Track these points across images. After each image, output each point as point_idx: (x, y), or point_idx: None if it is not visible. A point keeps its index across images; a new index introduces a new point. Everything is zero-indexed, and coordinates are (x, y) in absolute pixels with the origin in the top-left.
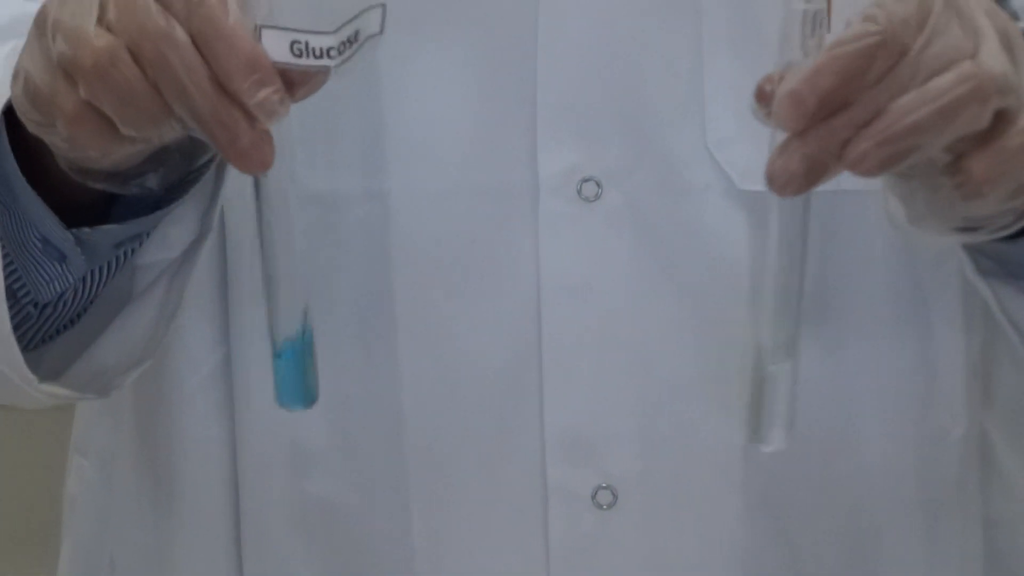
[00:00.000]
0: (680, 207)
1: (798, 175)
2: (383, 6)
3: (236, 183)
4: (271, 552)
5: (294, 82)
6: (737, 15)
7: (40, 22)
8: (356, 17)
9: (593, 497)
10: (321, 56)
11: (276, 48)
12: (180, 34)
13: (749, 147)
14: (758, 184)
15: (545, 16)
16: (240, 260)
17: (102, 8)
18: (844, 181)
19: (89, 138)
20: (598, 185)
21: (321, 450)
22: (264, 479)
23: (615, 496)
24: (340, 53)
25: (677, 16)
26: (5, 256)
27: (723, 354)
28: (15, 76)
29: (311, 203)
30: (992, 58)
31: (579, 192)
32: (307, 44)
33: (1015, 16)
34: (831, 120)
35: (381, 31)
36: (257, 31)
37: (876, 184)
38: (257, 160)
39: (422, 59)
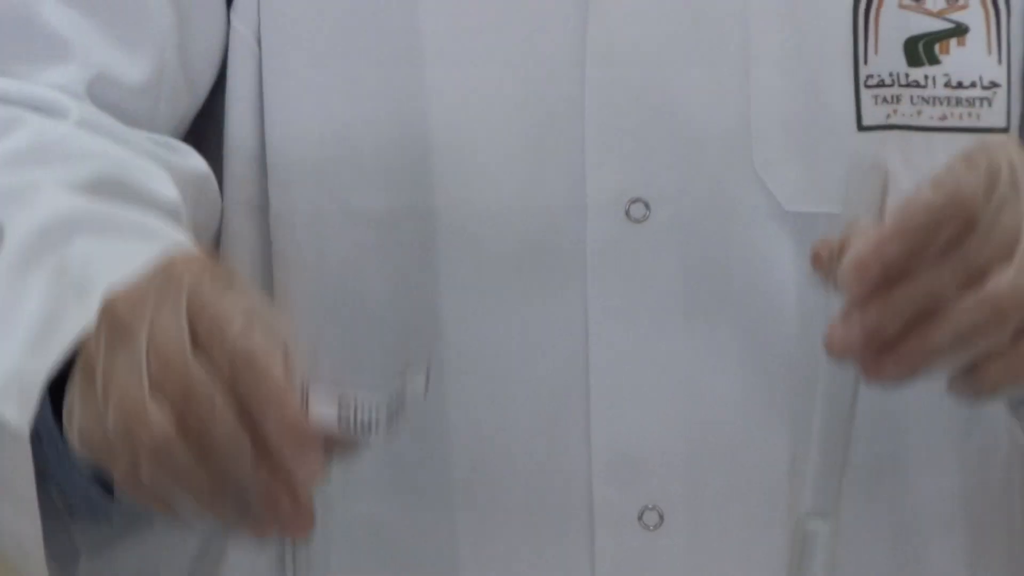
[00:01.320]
0: (727, 228)
1: (856, 345)
2: (428, 370)
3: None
4: (318, 570)
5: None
6: (785, 36)
7: (87, 370)
8: (403, 377)
9: (640, 518)
10: (368, 427)
11: (323, 410)
12: (223, 405)
13: (796, 168)
14: (805, 205)
15: (593, 38)
16: (286, 267)
17: (149, 366)
18: (889, 199)
19: (138, 494)
20: (646, 206)
21: (370, 469)
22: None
23: (661, 517)
24: (388, 422)
25: (724, 38)
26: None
27: (770, 375)
28: (68, 413)
29: (360, 220)
30: None
31: (627, 213)
32: (354, 412)
33: None
34: (892, 292)
35: (425, 393)
36: (305, 395)
37: None
38: (298, 529)
39: (470, 79)
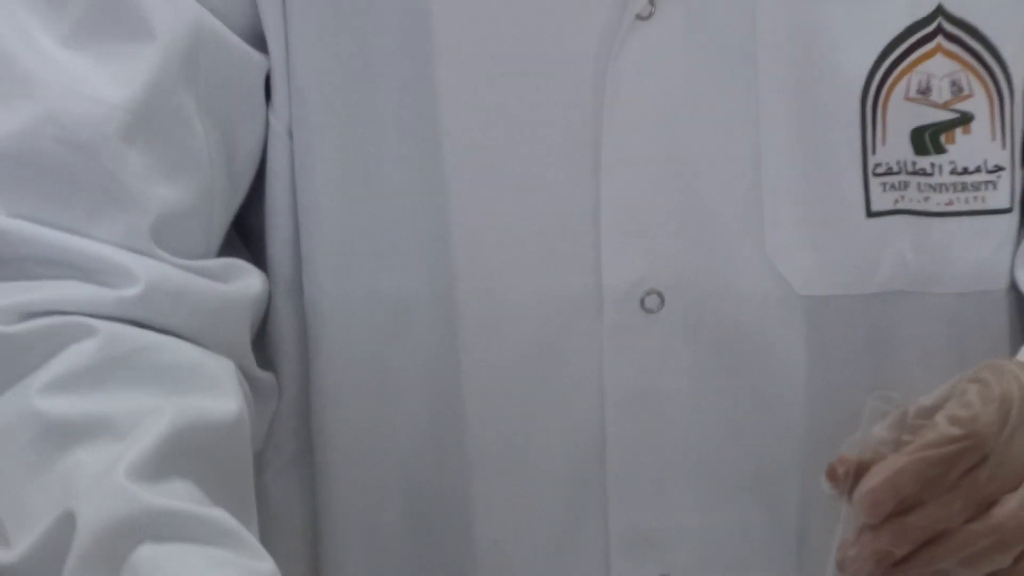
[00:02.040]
0: (740, 314)
1: (869, 565)
2: None
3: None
4: None
5: None
6: (794, 125)
7: None
8: None
9: (641, 303)
10: None
11: None
12: None
13: (808, 254)
14: (817, 289)
15: (608, 129)
16: (319, 349)
17: None
18: (898, 281)
19: None
20: (660, 297)
21: (396, 535)
22: (343, 560)
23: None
24: None
25: (736, 126)
26: None
27: (779, 456)
28: None
29: (385, 305)
30: None
31: (642, 304)
32: None
33: None
34: (904, 520)
35: None
36: None
37: (931, 285)
38: None
39: (490, 175)
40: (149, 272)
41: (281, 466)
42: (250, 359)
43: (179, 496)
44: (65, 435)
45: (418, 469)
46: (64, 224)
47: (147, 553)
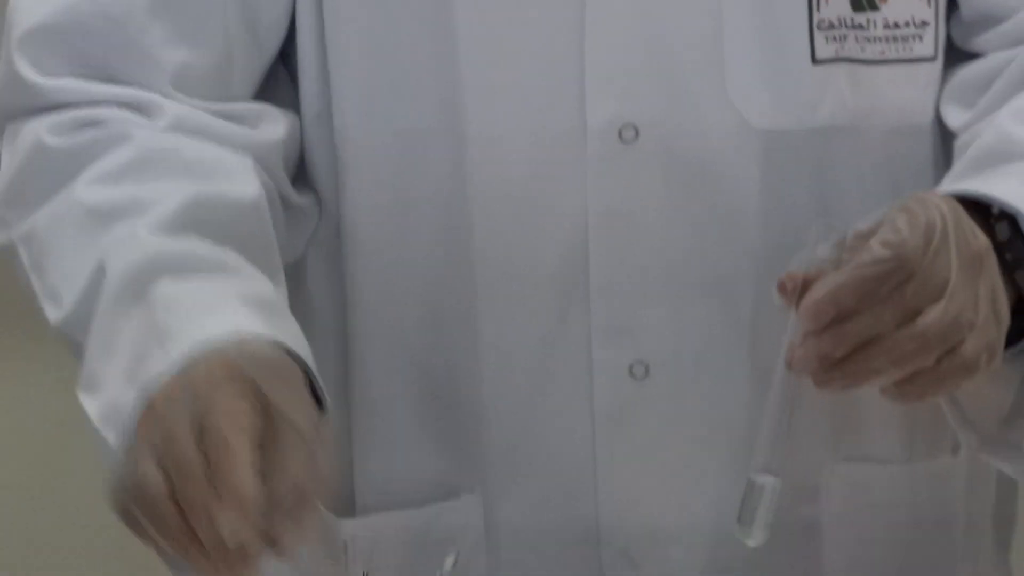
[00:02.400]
0: (705, 145)
1: (812, 364)
2: (457, 553)
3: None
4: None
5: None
6: None
7: (137, 434)
8: (444, 566)
9: (630, 370)
10: None
11: None
12: (202, 477)
13: (762, 94)
14: (769, 123)
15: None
16: (347, 172)
17: (163, 457)
18: (838, 118)
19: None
20: (636, 130)
21: (413, 331)
22: (368, 356)
23: (647, 370)
24: None
25: None
26: None
27: (736, 265)
28: (125, 442)
29: (400, 136)
30: (953, 307)
31: (620, 136)
32: None
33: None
34: (843, 327)
35: (455, 566)
36: None
37: (866, 121)
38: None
39: (490, 24)
40: (176, 108)
41: (319, 270)
42: (287, 187)
43: (210, 248)
44: (102, 215)
45: (431, 275)
46: (99, 67)
47: (164, 284)
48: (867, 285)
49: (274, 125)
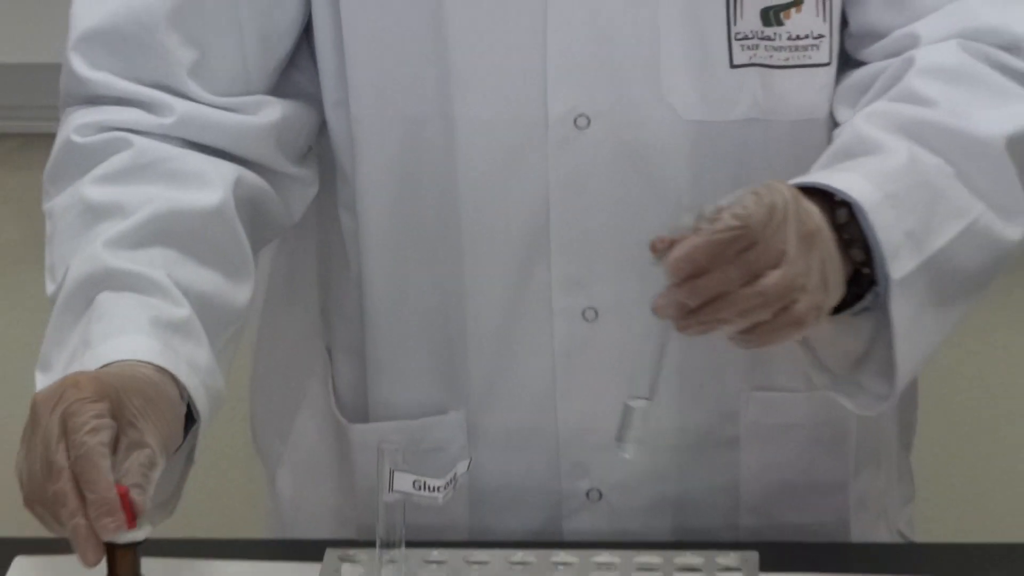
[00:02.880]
0: (644, 132)
1: (671, 311)
2: (471, 459)
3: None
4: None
5: (135, 515)
6: (682, 4)
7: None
8: (457, 468)
9: (583, 314)
10: (434, 491)
11: (403, 482)
12: (66, 480)
13: (690, 91)
14: (695, 115)
15: (552, 10)
16: (360, 151)
17: (37, 446)
18: (752, 111)
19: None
20: (588, 119)
21: (414, 273)
22: (376, 272)
23: (597, 314)
24: (443, 490)
25: (643, 4)
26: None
27: (667, 224)
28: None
29: (405, 120)
30: (789, 272)
31: (575, 123)
32: (425, 483)
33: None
34: (697, 282)
35: (468, 470)
36: (391, 475)
37: (774, 115)
38: (87, 558)
39: (477, 29)
40: (183, 108)
41: (348, 227)
42: (280, 160)
43: (148, 262)
44: (94, 212)
45: (428, 234)
46: (131, 75)
47: (104, 296)
48: (717, 248)
49: (270, 111)
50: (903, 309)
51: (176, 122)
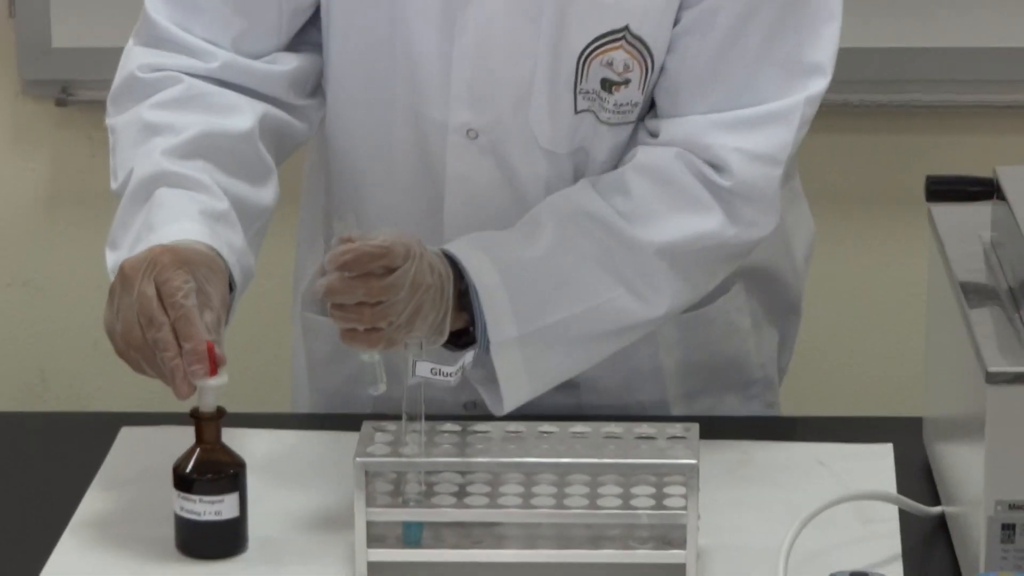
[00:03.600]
0: (514, 150)
1: (317, 295)
2: (473, 357)
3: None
4: None
5: (218, 364)
6: (548, 63)
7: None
8: (465, 358)
9: (466, 133)
10: (447, 376)
11: (423, 369)
12: (166, 330)
13: (547, 126)
14: (548, 145)
15: (457, 45)
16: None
17: (135, 305)
18: (586, 143)
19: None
20: (476, 132)
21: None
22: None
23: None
24: (455, 375)
25: (523, 59)
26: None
27: (526, 193)
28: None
29: (357, 107)
30: (390, 309)
31: (467, 134)
32: (440, 370)
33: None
34: (341, 277)
35: (473, 360)
36: (413, 363)
37: (598, 150)
38: (182, 393)
39: (416, 45)
40: (225, 56)
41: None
42: (292, 97)
43: (196, 168)
44: (152, 129)
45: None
46: (186, 27)
47: (162, 191)
48: (360, 256)
49: (287, 61)
50: (503, 361)
51: (218, 67)
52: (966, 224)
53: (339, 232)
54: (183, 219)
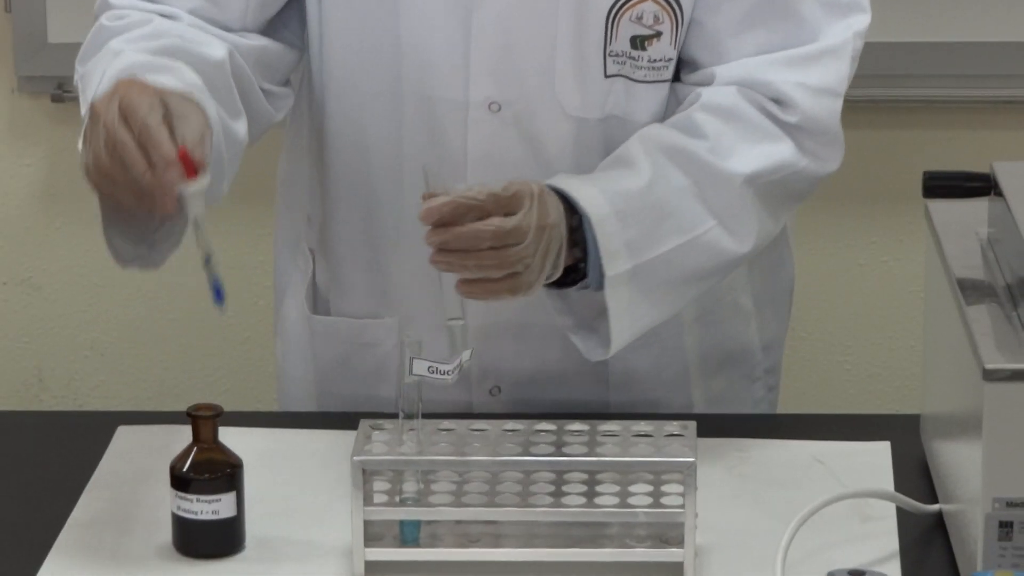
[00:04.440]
0: (540, 120)
1: (433, 244)
2: (472, 349)
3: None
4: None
5: (197, 169)
6: (572, 24)
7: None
8: (463, 356)
9: (488, 107)
10: (444, 375)
11: (420, 367)
12: (132, 146)
13: (575, 92)
14: (577, 112)
15: (476, 20)
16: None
17: (102, 130)
18: (617, 110)
19: (95, 185)
20: (499, 105)
21: (367, 196)
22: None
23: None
24: (452, 373)
25: (547, 25)
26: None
27: (551, 165)
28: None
29: (362, 100)
30: (525, 249)
31: (489, 108)
32: (437, 368)
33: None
34: (450, 229)
35: (471, 358)
36: (410, 362)
37: (632, 116)
38: (165, 205)
39: (427, 29)
40: (190, 19)
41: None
42: (258, 78)
43: (173, 62)
44: (117, 52)
45: (378, 180)
46: (149, 6)
47: (140, 76)
48: (457, 208)
49: (255, 40)
50: (615, 297)
51: (184, 29)
52: (963, 220)
53: (430, 176)
54: (160, 79)
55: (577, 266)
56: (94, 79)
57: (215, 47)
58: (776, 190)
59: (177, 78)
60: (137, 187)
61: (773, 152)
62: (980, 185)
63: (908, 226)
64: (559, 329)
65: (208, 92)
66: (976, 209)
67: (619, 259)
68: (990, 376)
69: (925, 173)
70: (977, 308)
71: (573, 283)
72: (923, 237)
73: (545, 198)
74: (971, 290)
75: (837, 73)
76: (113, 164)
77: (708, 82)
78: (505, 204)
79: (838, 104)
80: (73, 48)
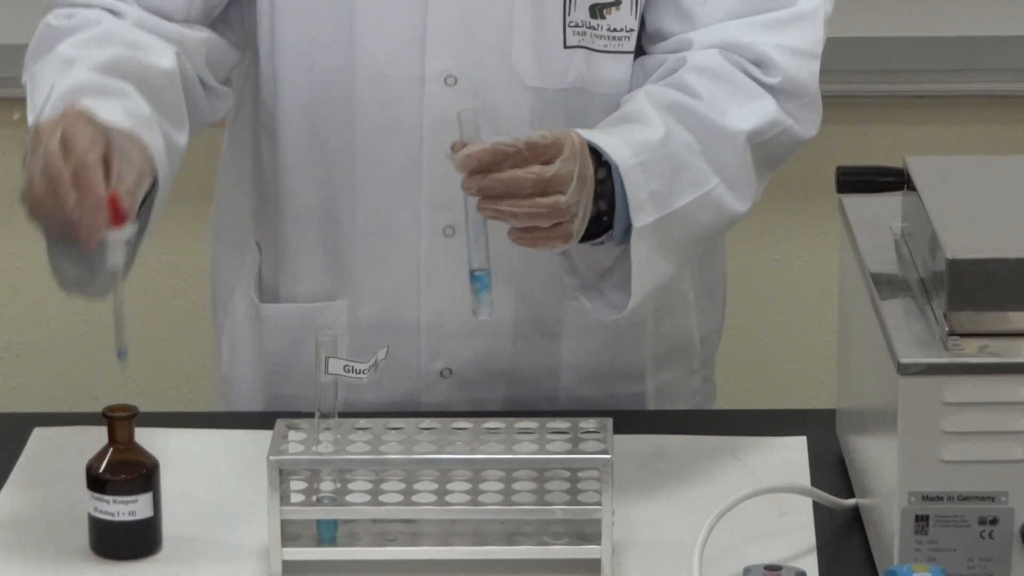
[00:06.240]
0: (497, 92)
1: (472, 190)
2: (388, 347)
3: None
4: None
5: (124, 218)
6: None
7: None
8: (378, 355)
9: (443, 231)
10: (360, 374)
11: (335, 366)
12: (66, 182)
13: (532, 63)
14: (535, 83)
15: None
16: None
17: (41, 159)
18: (578, 83)
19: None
20: (455, 79)
21: (319, 190)
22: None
23: (455, 230)
24: (367, 372)
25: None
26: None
27: (509, 136)
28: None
29: (300, 73)
30: (572, 197)
31: (445, 81)
32: (353, 367)
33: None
34: (488, 175)
35: (386, 356)
36: (326, 361)
37: (594, 87)
38: (88, 246)
39: (381, 5)
40: (137, 13)
41: (263, 140)
42: (206, 74)
43: (120, 83)
44: (69, 61)
45: (333, 154)
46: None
47: (86, 99)
48: (495, 155)
49: (201, 32)
50: (640, 249)
51: (132, 23)
52: (877, 215)
53: (464, 124)
54: (105, 110)
55: (599, 219)
56: (43, 88)
57: (164, 55)
58: (764, 152)
59: (125, 109)
60: (65, 220)
61: (763, 110)
62: (893, 180)
63: (822, 221)
64: (513, 323)
65: (155, 120)
66: (889, 204)
67: (645, 210)
68: (904, 370)
69: (838, 168)
70: (891, 302)
71: (591, 237)
72: (837, 232)
73: (585, 150)
74: (885, 284)
75: (814, 36)
76: (47, 193)
77: (684, 48)
78: (543, 152)
79: (816, 66)
80: (14, 50)
